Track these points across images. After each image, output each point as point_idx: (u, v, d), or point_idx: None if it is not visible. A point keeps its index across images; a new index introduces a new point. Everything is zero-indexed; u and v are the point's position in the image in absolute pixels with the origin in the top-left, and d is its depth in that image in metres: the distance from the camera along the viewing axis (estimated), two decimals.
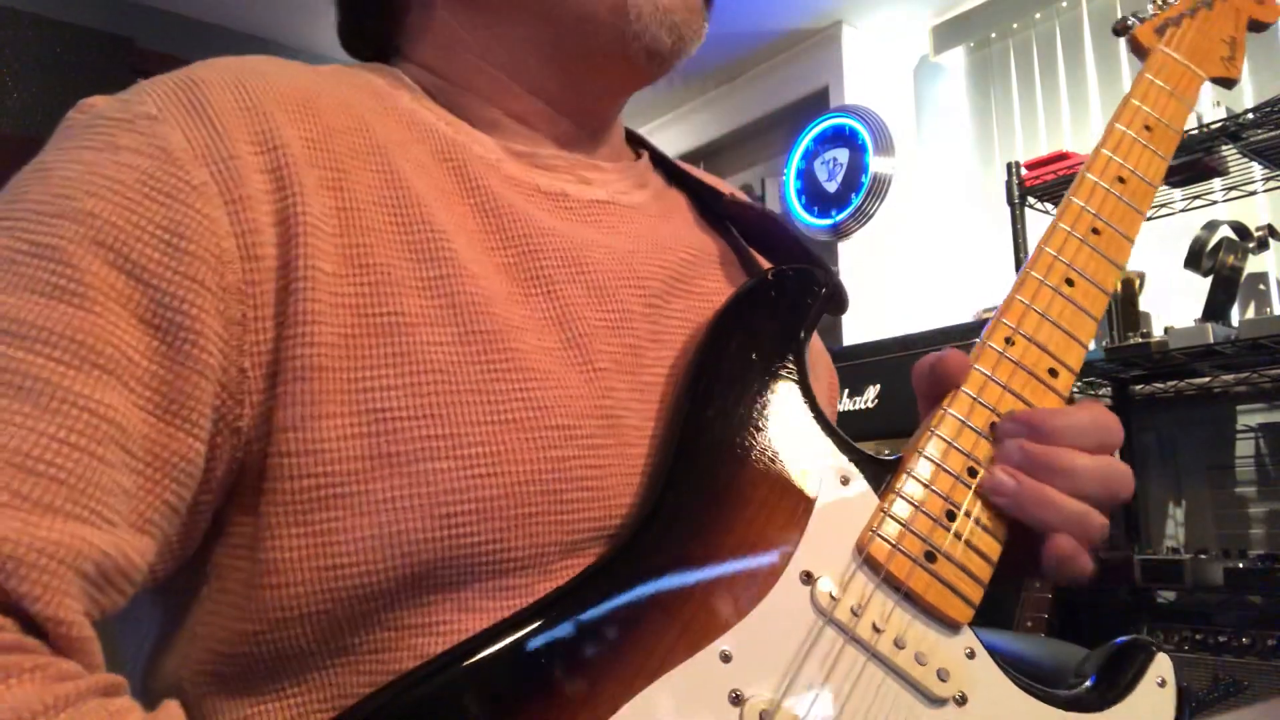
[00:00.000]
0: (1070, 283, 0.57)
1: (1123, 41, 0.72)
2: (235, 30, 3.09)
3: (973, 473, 0.51)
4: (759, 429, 0.50)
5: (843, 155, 2.95)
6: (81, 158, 0.43)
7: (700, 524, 0.47)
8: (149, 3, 2.92)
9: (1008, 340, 0.54)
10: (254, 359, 0.43)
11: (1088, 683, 0.51)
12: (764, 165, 3.42)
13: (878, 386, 2.15)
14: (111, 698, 0.35)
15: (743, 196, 0.68)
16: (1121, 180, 0.61)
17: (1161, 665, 0.51)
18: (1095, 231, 0.59)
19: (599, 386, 0.49)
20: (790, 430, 0.51)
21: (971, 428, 0.52)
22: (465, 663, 0.41)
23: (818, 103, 3.10)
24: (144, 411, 0.40)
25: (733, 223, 0.68)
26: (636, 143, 0.68)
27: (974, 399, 0.53)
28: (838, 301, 0.59)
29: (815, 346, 0.69)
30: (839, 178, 2.96)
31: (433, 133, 0.54)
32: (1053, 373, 0.54)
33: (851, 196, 2.91)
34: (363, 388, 0.43)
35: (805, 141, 3.08)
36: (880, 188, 2.87)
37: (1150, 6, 0.74)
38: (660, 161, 0.68)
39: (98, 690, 0.35)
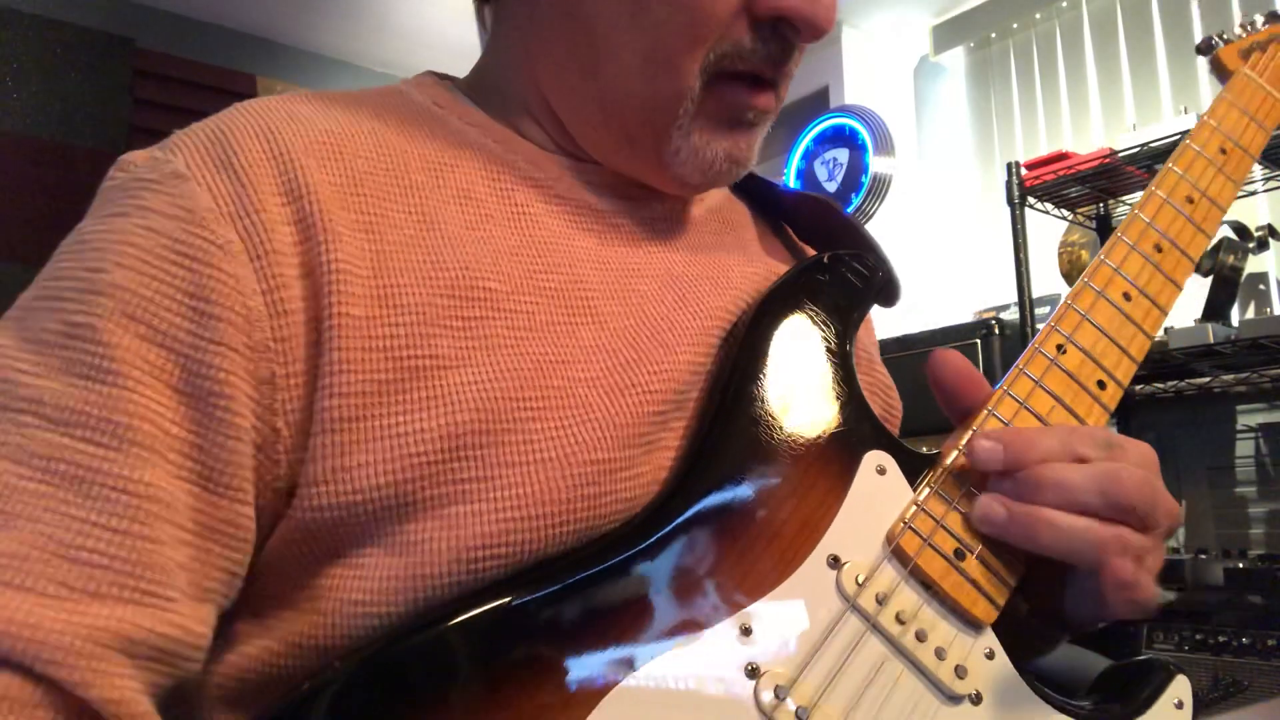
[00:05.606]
0: (1128, 297, 0.56)
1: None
2: (235, 30, 3.09)
3: None
4: (796, 409, 0.50)
5: (843, 155, 2.95)
6: (114, 225, 0.43)
7: (729, 499, 0.47)
8: (149, 3, 2.92)
9: (1059, 348, 0.54)
10: (286, 418, 0.43)
11: (1104, 695, 0.51)
12: (764, 165, 3.41)
13: None
14: None
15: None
16: (1190, 200, 0.61)
17: (1180, 686, 0.51)
18: (1158, 249, 0.58)
19: (643, 412, 0.48)
20: (828, 414, 0.51)
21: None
22: (499, 610, 0.41)
23: (818, 103, 3.10)
24: (186, 483, 0.41)
25: (794, 220, 0.67)
26: None
27: (1020, 403, 0.52)
28: (889, 291, 0.58)
29: (873, 357, 0.68)
30: (839, 178, 2.96)
31: (481, 153, 0.53)
32: (1101, 385, 0.54)
33: (851, 196, 2.91)
34: (396, 432, 0.43)
35: (805, 141, 3.08)
36: (880, 188, 2.87)
37: (1238, 29, 0.72)
38: None
39: None
